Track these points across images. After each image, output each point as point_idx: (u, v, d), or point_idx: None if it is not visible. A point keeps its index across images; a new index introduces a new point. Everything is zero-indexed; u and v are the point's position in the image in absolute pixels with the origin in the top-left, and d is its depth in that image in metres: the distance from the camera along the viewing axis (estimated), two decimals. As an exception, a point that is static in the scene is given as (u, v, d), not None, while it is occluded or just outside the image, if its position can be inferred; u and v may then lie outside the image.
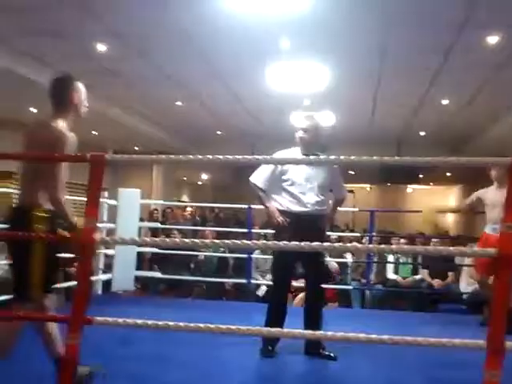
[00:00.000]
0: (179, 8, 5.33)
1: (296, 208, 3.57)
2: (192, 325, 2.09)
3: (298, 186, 3.58)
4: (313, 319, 3.54)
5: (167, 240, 2.26)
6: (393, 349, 2.13)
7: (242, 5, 4.97)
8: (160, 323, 2.12)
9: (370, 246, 5.17)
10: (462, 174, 14.82)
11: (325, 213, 3.69)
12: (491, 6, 5.16)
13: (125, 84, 8.34)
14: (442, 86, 7.93)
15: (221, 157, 2.13)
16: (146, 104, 9.77)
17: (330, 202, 3.84)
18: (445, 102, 8.95)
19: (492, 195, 4.77)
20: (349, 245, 2.34)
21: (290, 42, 6.23)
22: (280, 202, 3.62)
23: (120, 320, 2.18)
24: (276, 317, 3.55)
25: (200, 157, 2.24)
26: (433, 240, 8.00)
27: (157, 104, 9.72)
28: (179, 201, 16.90)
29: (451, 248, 2.85)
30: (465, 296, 6.32)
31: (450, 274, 6.72)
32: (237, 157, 2.18)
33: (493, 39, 6.03)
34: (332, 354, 3.43)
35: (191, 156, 2.39)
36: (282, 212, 3.57)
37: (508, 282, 1.91)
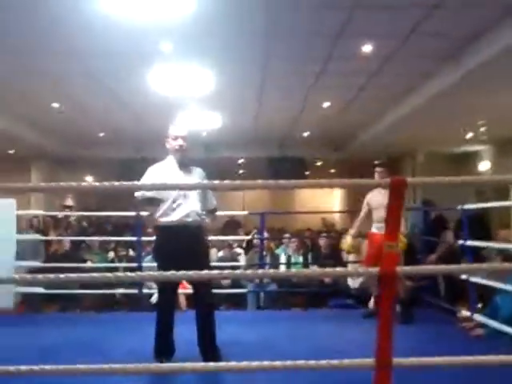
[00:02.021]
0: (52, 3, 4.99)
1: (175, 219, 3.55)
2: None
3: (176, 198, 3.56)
4: (205, 325, 3.54)
5: (51, 276, 2.01)
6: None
7: (119, 7, 4.75)
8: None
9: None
10: (346, 170, 15.56)
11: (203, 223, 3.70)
12: (366, 18, 5.41)
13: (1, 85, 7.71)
14: (323, 89, 8.23)
15: (87, 184, 1.99)
16: (23, 106, 9.09)
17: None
18: (326, 104, 9.30)
19: (376, 197, 5.06)
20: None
21: (173, 45, 6.10)
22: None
23: None
24: (165, 325, 3.57)
25: (63, 184, 2.06)
26: (321, 235, 8.37)
27: (33, 104, 9.09)
28: (66, 206, 16.04)
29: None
30: (353, 291, 6.62)
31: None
32: (115, 183, 2.05)
33: (367, 48, 6.35)
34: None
35: (53, 184, 2.21)
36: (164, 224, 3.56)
37: (392, 298, 1.98)
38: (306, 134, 12.10)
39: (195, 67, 6.54)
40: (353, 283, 6.75)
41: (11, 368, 1.80)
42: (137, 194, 3.59)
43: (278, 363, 1.90)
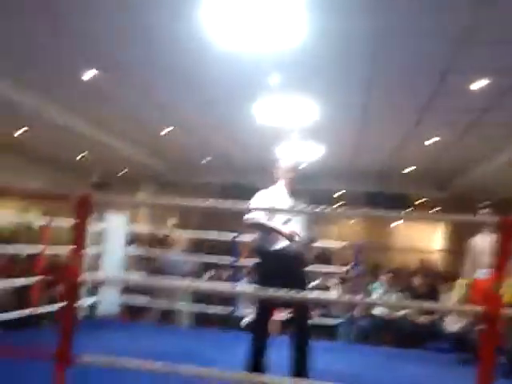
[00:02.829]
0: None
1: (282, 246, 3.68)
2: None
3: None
4: (301, 351, 3.57)
5: (154, 279, 2.22)
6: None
7: (236, 43, 5.04)
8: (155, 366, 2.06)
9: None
10: (449, 209, 14.92)
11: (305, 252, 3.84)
12: (476, 53, 5.30)
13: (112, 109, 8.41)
14: (428, 125, 8.07)
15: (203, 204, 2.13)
16: (133, 129, 9.80)
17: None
18: (429, 141, 9.08)
19: (480, 242, 4.90)
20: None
21: (281, 77, 6.33)
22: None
23: (107, 359, 2.14)
24: (259, 348, 3.62)
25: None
26: (417, 274, 8.08)
27: (145, 130, 9.75)
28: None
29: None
30: (450, 335, 6.30)
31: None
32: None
33: (478, 84, 6.18)
34: None
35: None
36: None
37: (495, 343, 1.90)
38: (407, 170, 11.84)
39: (300, 98, 6.69)
40: (451, 327, 6.43)
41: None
42: (248, 216, 3.69)
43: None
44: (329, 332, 6.47)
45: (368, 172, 12.30)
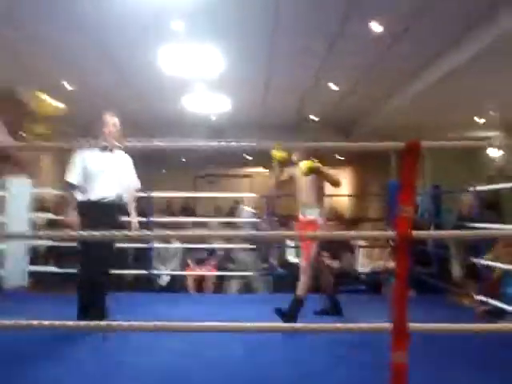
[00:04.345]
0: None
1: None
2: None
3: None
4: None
5: (61, 233, 2.04)
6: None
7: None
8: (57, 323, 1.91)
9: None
10: (352, 156, 15.45)
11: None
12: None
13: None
14: (329, 71, 8.13)
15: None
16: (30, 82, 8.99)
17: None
18: (333, 87, 9.20)
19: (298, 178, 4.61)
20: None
21: (184, 24, 6.06)
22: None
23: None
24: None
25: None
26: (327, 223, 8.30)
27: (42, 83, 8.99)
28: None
29: (352, 232, 2.86)
30: (363, 276, 6.59)
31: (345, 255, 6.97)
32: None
33: (376, 27, 6.24)
34: None
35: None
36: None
37: (407, 263, 1.95)
38: (316, 119, 12.01)
39: (204, 47, 6.48)
40: (362, 268, 6.73)
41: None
42: (65, 177, 4.23)
43: (299, 325, 1.88)
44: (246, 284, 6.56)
45: (277, 123, 12.32)
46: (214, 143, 2.13)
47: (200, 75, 7.41)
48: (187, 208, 13.69)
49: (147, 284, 6.43)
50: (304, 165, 4.21)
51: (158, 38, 6.50)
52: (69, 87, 9.03)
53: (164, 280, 6.55)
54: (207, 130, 11.75)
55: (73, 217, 3.99)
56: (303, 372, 2.98)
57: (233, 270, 6.62)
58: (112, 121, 4.22)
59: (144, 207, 6.17)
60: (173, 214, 10.03)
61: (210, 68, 7.00)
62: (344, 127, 12.80)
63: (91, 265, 3.98)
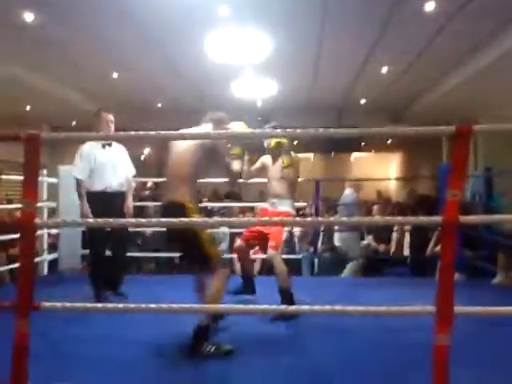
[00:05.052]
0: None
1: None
2: (143, 306, 2.02)
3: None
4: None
5: (110, 220, 2.17)
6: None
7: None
8: (110, 306, 2.05)
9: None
10: (402, 141, 15.18)
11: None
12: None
13: (57, 54, 7.93)
14: (381, 54, 8.01)
15: (163, 132, 2.06)
16: (80, 76, 9.33)
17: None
18: (384, 70, 9.06)
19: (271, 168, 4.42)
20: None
21: (230, 9, 6.11)
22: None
23: (68, 305, 2.11)
24: None
25: (142, 133, 2.16)
26: (374, 207, 8.25)
27: (92, 75, 9.31)
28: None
29: (399, 218, 2.86)
30: (409, 260, 6.54)
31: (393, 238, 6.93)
32: (182, 131, 2.12)
33: (429, 6, 6.11)
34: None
35: (132, 132, 2.29)
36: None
37: (454, 247, 1.95)
38: (362, 102, 11.85)
39: (251, 31, 6.50)
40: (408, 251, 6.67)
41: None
42: (73, 173, 4.67)
43: (338, 308, 1.93)
44: (292, 267, 6.59)
45: (324, 107, 12.23)
46: (258, 131, 2.14)
47: (247, 60, 7.44)
48: (232, 193, 13.79)
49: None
50: (285, 159, 4.13)
51: (205, 25, 6.58)
52: (119, 77, 9.31)
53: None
54: (254, 115, 11.77)
55: (86, 209, 4.44)
56: (344, 356, 3.03)
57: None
58: (108, 118, 4.66)
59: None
60: (220, 200, 10.16)
61: (258, 52, 7.01)
62: (393, 110, 12.58)
63: (99, 247, 4.60)
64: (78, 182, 4.53)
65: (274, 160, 4.34)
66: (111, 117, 4.69)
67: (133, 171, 4.94)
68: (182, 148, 3.18)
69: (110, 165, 4.62)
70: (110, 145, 4.68)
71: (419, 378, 1.93)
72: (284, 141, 4.15)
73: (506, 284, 5.15)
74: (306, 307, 2.06)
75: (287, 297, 3.94)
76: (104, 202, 4.43)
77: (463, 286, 4.79)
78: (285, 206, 4.20)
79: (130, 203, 4.76)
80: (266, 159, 4.42)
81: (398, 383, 2.38)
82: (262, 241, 4.27)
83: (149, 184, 9.86)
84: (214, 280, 3.01)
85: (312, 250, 6.66)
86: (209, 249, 3.06)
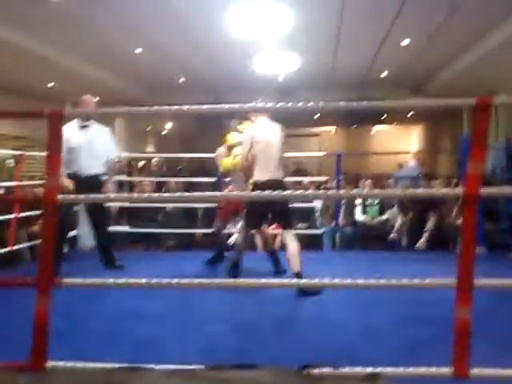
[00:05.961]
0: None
1: None
2: (164, 281, 2.04)
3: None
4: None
5: (134, 195, 2.20)
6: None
7: None
8: (131, 281, 2.07)
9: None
10: (424, 113, 14.96)
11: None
12: None
13: (81, 32, 7.96)
14: (402, 26, 7.86)
15: (186, 107, 2.06)
16: (103, 52, 9.36)
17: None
18: (405, 43, 8.89)
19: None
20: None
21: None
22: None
23: (89, 281, 2.14)
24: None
25: (166, 107, 2.18)
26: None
27: (115, 52, 9.33)
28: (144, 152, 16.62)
29: (420, 189, 2.83)
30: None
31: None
32: (203, 107, 2.13)
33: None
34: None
35: (157, 107, 2.30)
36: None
37: (475, 220, 1.94)
38: (383, 75, 11.67)
39: (273, 5, 6.41)
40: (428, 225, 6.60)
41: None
42: None
43: (360, 281, 1.94)
44: (314, 242, 6.61)
45: (345, 80, 12.09)
46: (282, 104, 2.13)
47: (269, 34, 7.37)
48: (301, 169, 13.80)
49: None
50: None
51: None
52: (142, 54, 9.31)
53: (233, 239, 6.68)
54: (275, 90, 11.67)
55: (66, 180, 4.41)
56: (368, 329, 3.06)
57: (300, 228, 6.69)
58: (90, 101, 4.77)
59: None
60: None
61: (279, 26, 6.93)
62: (414, 84, 12.36)
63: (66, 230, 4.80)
64: None
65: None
66: (93, 99, 4.82)
67: (113, 153, 4.94)
68: (272, 138, 4.13)
69: (84, 147, 4.64)
70: (86, 126, 4.72)
71: (441, 352, 1.94)
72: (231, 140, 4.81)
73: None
74: (328, 281, 2.07)
75: (274, 260, 4.60)
76: (76, 184, 4.44)
77: (483, 259, 4.80)
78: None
79: (109, 185, 4.88)
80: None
81: (420, 356, 2.40)
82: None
83: (154, 160, 9.82)
84: (290, 237, 4.03)
85: (334, 224, 6.65)
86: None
